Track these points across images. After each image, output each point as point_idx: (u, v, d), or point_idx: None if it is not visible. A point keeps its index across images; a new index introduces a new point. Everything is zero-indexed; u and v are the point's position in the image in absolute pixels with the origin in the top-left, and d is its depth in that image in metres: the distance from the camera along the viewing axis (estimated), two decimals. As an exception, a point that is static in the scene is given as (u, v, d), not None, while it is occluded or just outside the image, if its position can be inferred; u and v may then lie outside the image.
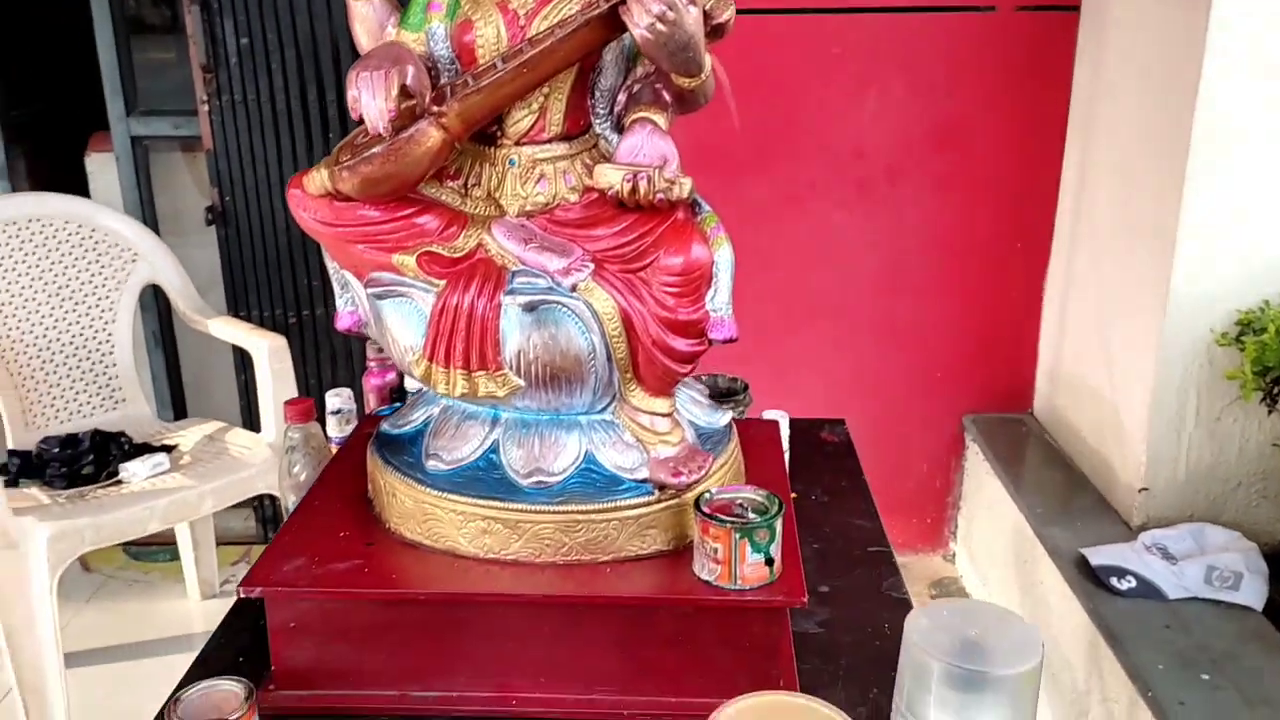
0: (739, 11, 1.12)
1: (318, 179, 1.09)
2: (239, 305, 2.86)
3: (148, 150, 2.97)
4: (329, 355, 2.92)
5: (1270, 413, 2.05)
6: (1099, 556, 2.07)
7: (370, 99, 1.02)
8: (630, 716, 1.13)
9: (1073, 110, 2.56)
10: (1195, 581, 1.97)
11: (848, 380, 2.80)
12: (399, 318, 1.11)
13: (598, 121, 1.18)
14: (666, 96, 1.12)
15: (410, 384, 1.57)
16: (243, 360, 2.80)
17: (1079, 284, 2.54)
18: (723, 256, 1.09)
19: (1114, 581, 2.01)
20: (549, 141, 1.15)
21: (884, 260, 2.71)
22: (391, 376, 1.60)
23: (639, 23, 1.01)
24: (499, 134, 1.15)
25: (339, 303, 1.20)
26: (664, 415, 1.15)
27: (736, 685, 1.02)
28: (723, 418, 1.25)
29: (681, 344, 1.09)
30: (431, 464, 1.17)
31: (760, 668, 1.11)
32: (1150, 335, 2.14)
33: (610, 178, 1.06)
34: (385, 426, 1.23)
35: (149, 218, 2.97)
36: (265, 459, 2.36)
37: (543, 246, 1.08)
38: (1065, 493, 2.43)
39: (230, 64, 2.71)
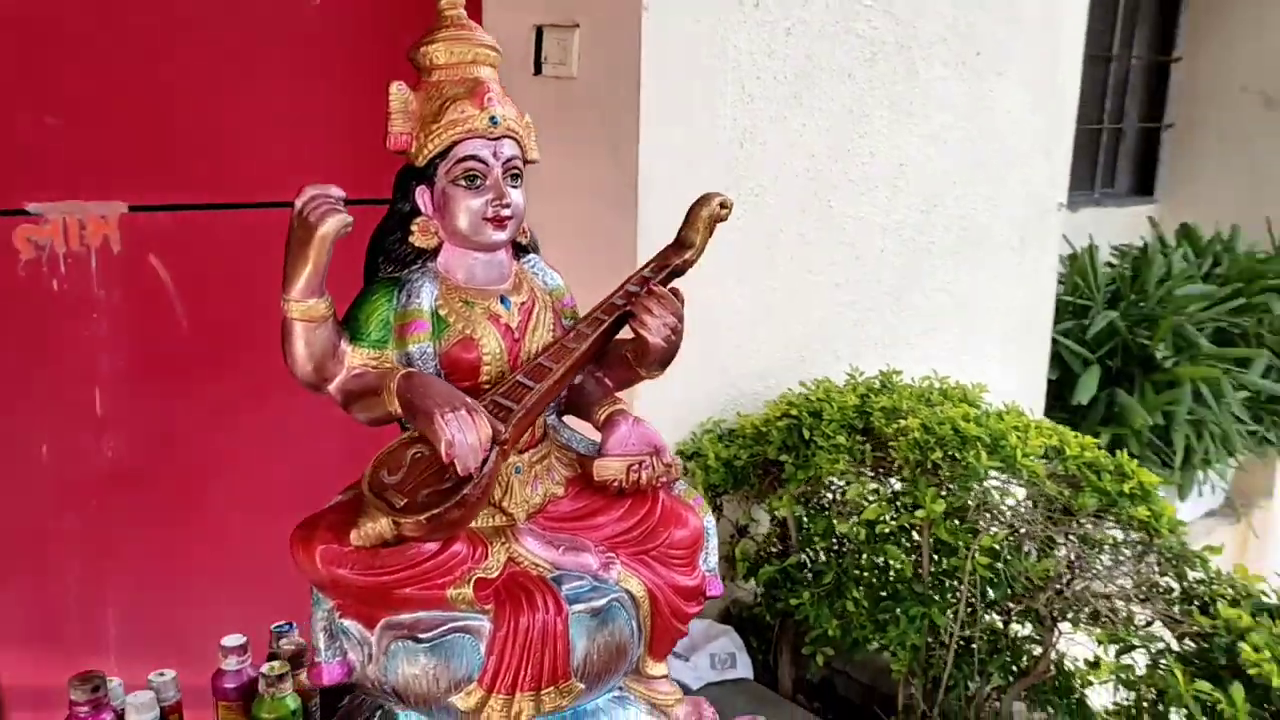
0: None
1: (373, 530, 0.94)
2: None
3: None
4: None
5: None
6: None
7: (463, 438, 0.94)
8: None
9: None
10: (705, 670, 2.47)
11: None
12: (441, 658, 1.00)
13: (547, 413, 1.19)
14: (609, 383, 1.20)
15: None
16: None
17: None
18: (710, 523, 1.21)
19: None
20: (536, 444, 1.15)
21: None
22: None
23: (656, 333, 1.10)
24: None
25: (325, 654, 1.00)
26: (666, 677, 1.21)
27: None
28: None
29: (691, 607, 1.17)
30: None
31: None
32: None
33: (613, 469, 1.12)
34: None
35: None
36: None
37: (569, 548, 1.09)
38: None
39: None
